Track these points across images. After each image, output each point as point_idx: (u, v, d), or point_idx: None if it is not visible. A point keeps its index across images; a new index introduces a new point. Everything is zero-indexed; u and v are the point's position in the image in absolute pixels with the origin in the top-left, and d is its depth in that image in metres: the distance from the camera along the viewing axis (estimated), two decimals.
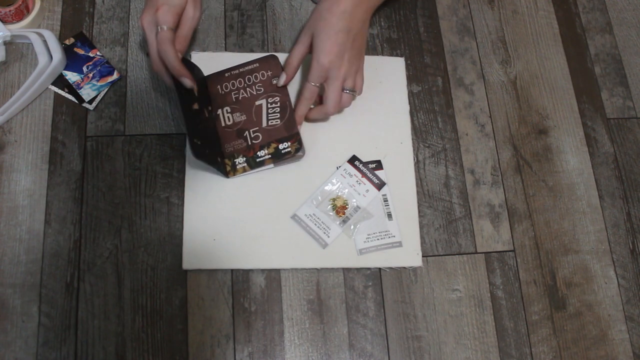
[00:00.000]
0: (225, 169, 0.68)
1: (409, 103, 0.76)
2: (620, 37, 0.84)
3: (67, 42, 0.74)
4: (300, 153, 0.68)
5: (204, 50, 0.75)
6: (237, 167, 0.68)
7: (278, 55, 0.74)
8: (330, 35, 0.61)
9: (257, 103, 0.69)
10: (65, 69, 0.72)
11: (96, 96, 0.72)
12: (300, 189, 0.69)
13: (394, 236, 0.68)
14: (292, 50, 0.65)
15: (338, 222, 0.68)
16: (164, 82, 0.64)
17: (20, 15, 0.72)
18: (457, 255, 0.71)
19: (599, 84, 0.81)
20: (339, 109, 0.68)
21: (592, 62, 0.82)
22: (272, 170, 0.69)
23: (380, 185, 0.70)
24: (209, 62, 0.73)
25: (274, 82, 0.69)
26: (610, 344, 0.70)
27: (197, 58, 0.74)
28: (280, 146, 0.68)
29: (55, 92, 0.72)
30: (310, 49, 0.64)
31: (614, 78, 0.82)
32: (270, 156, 0.68)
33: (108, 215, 0.68)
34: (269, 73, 0.70)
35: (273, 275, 0.67)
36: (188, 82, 0.62)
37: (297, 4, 0.80)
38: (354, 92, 0.67)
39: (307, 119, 0.70)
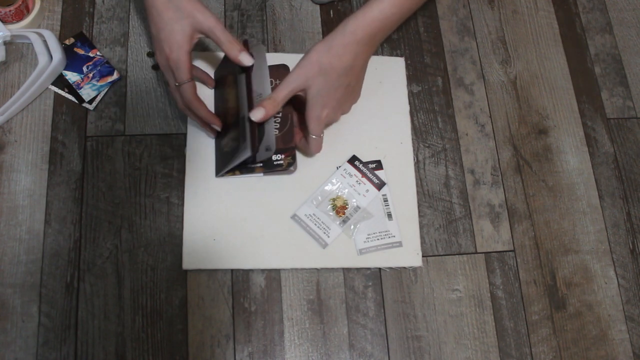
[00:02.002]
0: (215, 167, 0.68)
1: (409, 103, 0.76)
2: (620, 37, 0.84)
3: (67, 42, 0.74)
4: (292, 168, 0.67)
5: (204, 50, 0.75)
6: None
7: (278, 55, 0.75)
8: (330, 92, 0.59)
9: None
10: (65, 69, 0.72)
11: (96, 96, 0.72)
12: (300, 189, 0.69)
13: (394, 236, 0.68)
14: (279, 90, 0.59)
15: (338, 222, 0.68)
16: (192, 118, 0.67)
17: (20, 15, 0.72)
18: (457, 255, 0.71)
19: (599, 84, 0.81)
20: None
21: (592, 62, 0.82)
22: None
23: (380, 185, 0.70)
24: (209, 62, 0.74)
25: (248, 115, 0.62)
26: (610, 344, 0.70)
27: (197, 58, 0.74)
28: (274, 157, 0.66)
29: (55, 92, 0.72)
30: (299, 94, 0.61)
31: (614, 78, 0.82)
32: (261, 165, 0.67)
33: (108, 215, 0.68)
34: (277, 82, 0.67)
35: (273, 275, 0.67)
36: (217, 127, 0.65)
37: (297, 4, 0.80)
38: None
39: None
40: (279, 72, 0.68)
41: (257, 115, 0.59)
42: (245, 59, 0.59)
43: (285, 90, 0.59)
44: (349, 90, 0.62)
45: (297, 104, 0.64)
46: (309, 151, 0.66)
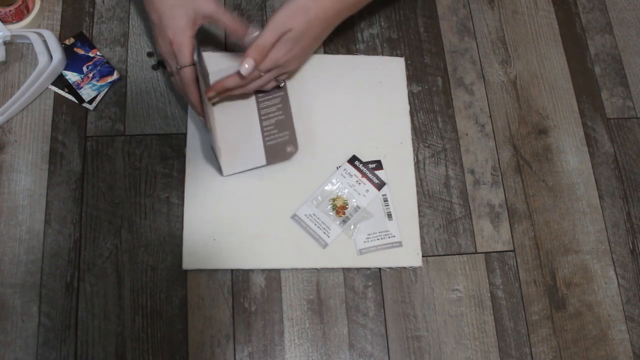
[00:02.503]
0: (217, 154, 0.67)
1: (409, 103, 0.76)
2: (620, 37, 0.84)
3: (67, 42, 0.74)
4: (290, 149, 0.67)
5: (204, 50, 0.75)
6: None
7: None
8: (303, 40, 0.59)
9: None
10: (65, 69, 0.72)
11: (96, 96, 0.72)
12: (300, 189, 0.69)
13: (394, 236, 0.68)
14: (265, 34, 0.58)
15: (338, 222, 0.68)
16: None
17: (20, 15, 0.72)
18: (457, 255, 0.71)
19: (599, 84, 0.81)
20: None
21: (592, 62, 0.82)
22: (272, 170, 0.69)
23: (380, 185, 0.70)
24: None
25: (241, 69, 0.60)
26: (610, 344, 0.70)
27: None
28: None
29: (55, 92, 0.72)
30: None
31: (614, 78, 0.82)
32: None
33: (108, 215, 0.68)
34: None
35: (273, 275, 0.67)
36: (200, 118, 0.64)
37: None
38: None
39: (223, 88, 0.64)
40: None
41: (247, 68, 0.58)
42: (249, 66, 0.59)
43: (271, 32, 0.58)
44: (311, 44, 0.62)
45: None
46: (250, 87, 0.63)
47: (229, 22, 0.59)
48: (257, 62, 0.59)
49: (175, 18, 0.58)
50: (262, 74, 0.62)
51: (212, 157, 0.69)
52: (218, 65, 0.72)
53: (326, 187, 0.69)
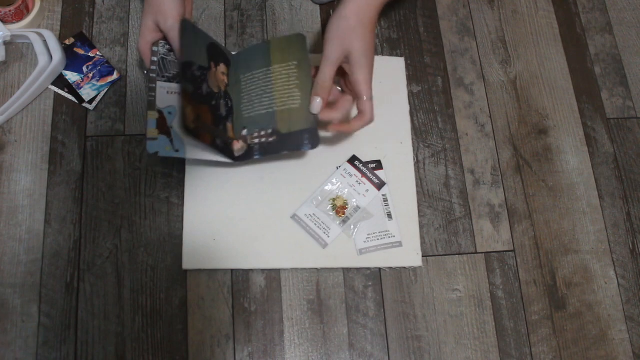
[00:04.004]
0: (227, 134, 0.64)
1: (409, 103, 0.76)
2: (620, 37, 0.84)
3: (67, 42, 0.74)
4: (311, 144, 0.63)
5: None
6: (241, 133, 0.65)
7: None
8: (369, 51, 0.59)
9: None
10: (65, 69, 0.72)
11: (96, 96, 0.72)
12: (300, 189, 0.69)
13: (394, 236, 0.68)
14: (323, 71, 0.59)
15: (338, 222, 0.68)
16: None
17: (20, 15, 0.72)
18: (457, 255, 0.71)
19: (599, 84, 0.81)
20: None
21: (592, 62, 0.82)
22: (272, 170, 0.69)
23: (380, 185, 0.70)
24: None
25: (310, 108, 0.62)
26: (610, 344, 0.70)
27: None
28: None
29: (55, 92, 0.72)
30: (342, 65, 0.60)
31: (614, 78, 0.82)
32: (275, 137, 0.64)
33: (108, 215, 0.68)
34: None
35: (273, 275, 0.67)
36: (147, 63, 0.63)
37: (297, 4, 0.80)
38: None
39: (350, 131, 0.63)
40: None
41: (316, 108, 0.61)
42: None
43: (329, 67, 0.59)
44: (374, 45, 0.61)
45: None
46: (367, 119, 0.61)
47: (175, 45, 0.61)
48: (324, 100, 0.61)
49: (141, 24, 0.61)
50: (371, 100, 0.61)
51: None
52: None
53: (326, 187, 0.69)
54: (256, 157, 0.63)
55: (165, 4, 0.59)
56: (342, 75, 0.62)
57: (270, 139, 0.64)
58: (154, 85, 0.62)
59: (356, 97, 0.60)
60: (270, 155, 0.63)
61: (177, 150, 0.61)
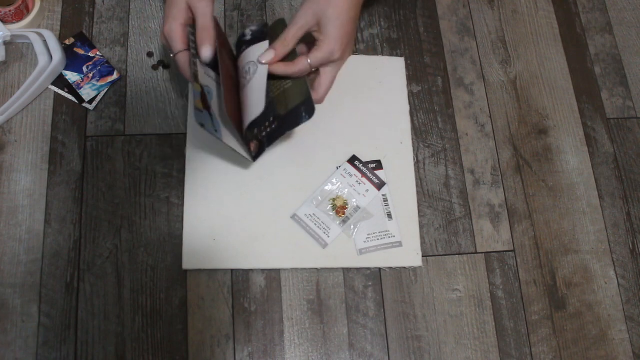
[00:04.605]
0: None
1: (409, 103, 0.76)
2: (620, 37, 0.84)
3: (67, 42, 0.74)
4: (307, 114, 0.61)
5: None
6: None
7: None
8: (343, 24, 0.58)
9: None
10: (65, 69, 0.72)
11: (96, 96, 0.72)
12: (300, 189, 0.69)
13: (394, 236, 0.68)
14: (288, 30, 0.59)
15: (338, 222, 0.68)
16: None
17: (20, 15, 0.72)
18: (457, 255, 0.71)
19: (599, 84, 0.81)
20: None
21: (592, 62, 0.82)
22: (272, 170, 0.69)
23: (380, 185, 0.70)
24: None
25: (258, 58, 0.60)
26: (610, 344, 0.70)
27: None
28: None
29: (55, 92, 0.72)
30: (310, 32, 0.60)
31: (614, 78, 0.82)
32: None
33: (108, 215, 0.68)
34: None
35: (273, 275, 0.67)
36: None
37: (297, 4, 0.80)
38: None
39: (278, 70, 0.61)
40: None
41: (266, 57, 0.59)
42: (205, 52, 0.59)
43: (294, 28, 0.58)
44: (355, 27, 0.61)
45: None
46: (293, 69, 0.60)
47: (200, 21, 0.58)
48: (277, 54, 0.59)
49: (171, 6, 0.59)
50: (312, 67, 0.60)
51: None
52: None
53: (326, 187, 0.69)
54: (266, 148, 0.63)
55: None
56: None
57: (274, 126, 0.63)
58: (195, 60, 0.60)
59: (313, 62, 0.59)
60: (276, 140, 0.62)
61: (216, 131, 0.60)
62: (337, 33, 0.58)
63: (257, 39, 0.64)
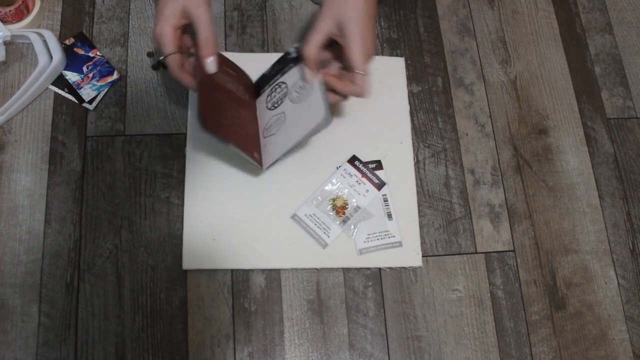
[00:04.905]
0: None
1: (409, 103, 0.76)
2: (620, 37, 0.84)
3: (67, 42, 0.74)
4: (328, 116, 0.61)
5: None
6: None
7: (278, 55, 0.75)
8: (367, 23, 0.57)
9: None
10: (65, 69, 0.72)
11: (96, 96, 0.72)
12: (300, 189, 0.69)
13: (394, 236, 0.68)
14: (310, 39, 0.58)
15: (338, 222, 0.68)
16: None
17: (20, 15, 0.72)
18: (457, 255, 0.71)
19: (599, 84, 0.81)
20: None
21: (592, 62, 0.82)
22: (272, 170, 0.69)
23: (380, 185, 0.70)
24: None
25: (301, 82, 0.63)
26: (610, 344, 0.70)
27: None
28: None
29: (55, 92, 0.72)
30: (332, 37, 0.60)
31: (614, 78, 0.82)
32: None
33: (108, 215, 0.68)
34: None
35: (273, 275, 0.67)
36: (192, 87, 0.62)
37: (297, 4, 0.80)
38: None
39: (337, 87, 0.61)
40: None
41: (305, 75, 0.61)
42: (210, 65, 0.59)
43: (317, 35, 0.58)
44: (374, 24, 0.60)
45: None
46: (359, 92, 0.60)
47: (203, 32, 0.58)
48: (312, 70, 0.61)
49: (164, 8, 0.58)
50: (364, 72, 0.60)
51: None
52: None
53: (326, 187, 0.69)
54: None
55: None
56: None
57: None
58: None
59: (349, 68, 0.59)
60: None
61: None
62: (360, 31, 0.57)
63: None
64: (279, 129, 0.65)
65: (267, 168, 0.66)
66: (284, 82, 0.66)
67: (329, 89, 0.61)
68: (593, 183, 0.76)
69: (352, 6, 0.56)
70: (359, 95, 0.60)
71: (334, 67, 0.64)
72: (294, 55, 0.65)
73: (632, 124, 0.80)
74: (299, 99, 0.63)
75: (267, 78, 0.69)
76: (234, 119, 0.64)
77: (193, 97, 0.72)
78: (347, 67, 0.59)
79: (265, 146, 0.65)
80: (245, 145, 0.63)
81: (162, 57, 0.60)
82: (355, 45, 0.57)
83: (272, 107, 0.67)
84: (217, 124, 0.61)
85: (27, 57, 0.73)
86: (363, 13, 0.57)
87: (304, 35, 0.63)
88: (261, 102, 0.69)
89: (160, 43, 0.59)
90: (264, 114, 0.67)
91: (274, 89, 0.67)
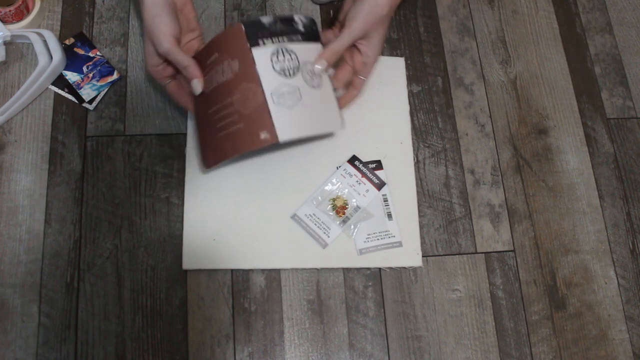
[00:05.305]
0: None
1: (409, 103, 0.76)
2: (620, 37, 0.84)
3: (67, 42, 0.74)
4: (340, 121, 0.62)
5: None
6: None
7: None
8: (382, 39, 0.63)
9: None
10: (65, 69, 0.72)
11: (96, 96, 0.72)
12: (300, 189, 0.69)
13: (394, 236, 0.68)
14: (340, 40, 0.61)
15: (338, 222, 0.68)
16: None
17: (20, 15, 0.72)
18: (457, 255, 0.71)
19: (599, 84, 0.81)
20: None
21: (592, 62, 0.82)
22: (272, 170, 0.69)
23: (380, 185, 0.70)
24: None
25: (312, 66, 0.61)
26: (610, 344, 0.70)
27: None
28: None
29: (55, 92, 0.72)
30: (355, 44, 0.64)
31: (614, 78, 0.82)
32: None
33: (108, 215, 0.68)
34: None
35: (273, 275, 0.67)
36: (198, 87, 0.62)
37: (297, 4, 0.80)
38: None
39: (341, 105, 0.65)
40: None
41: (319, 67, 0.61)
42: (195, 87, 0.60)
43: (348, 39, 0.62)
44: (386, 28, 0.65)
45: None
46: (356, 94, 0.67)
47: (182, 62, 0.59)
48: (329, 63, 0.62)
49: (145, 50, 0.61)
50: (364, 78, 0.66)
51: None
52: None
53: (326, 187, 0.69)
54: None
55: (156, 27, 0.56)
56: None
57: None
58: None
59: (356, 72, 0.65)
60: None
61: None
62: (380, 46, 0.63)
63: (308, 33, 0.62)
64: (296, 105, 0.59)
65: (284, 141, 0.58)
66: (293, 52, 0.61)
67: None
68: (593, 183, 0.76)
69: (383, 25, 0.62)
70: (356, 97, 0.67)
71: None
72: (300, 28, 0.62)
73: (632, 124, 0.80)
74: (312, 84, 0.61)
75: (267, 30, 0.61)
76: (228, 116, 0.59)
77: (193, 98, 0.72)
78: (354, 68, 0.65)
79: (278, 113, 0.57)
80: (246, 138, 0.58)
81: (188, 75, 0.60)
82: (373, 58, 0.63)
83: (282, 73, 0.59)
84: (214, 151, 0.60)
85: (27, 57, 0.73)
86: (385, 32, 0.63)
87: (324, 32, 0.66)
88: (262, 56, 0.59)
89: (154, 79, 0.63)
90: (270, 75, 0.59)
91: (281, 52, 0.60)
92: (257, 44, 0.59)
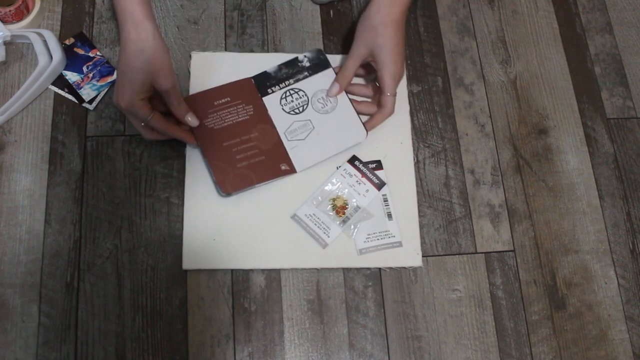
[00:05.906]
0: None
1: (409, 103, 0.76)
2: (620, 37, 0.84)
3: (67, 42, 0.74)
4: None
5: (203, 50, 0.75)
6: None
7: (278, 55, 0.75)
8: (394, 48, 0.64)
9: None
10: (65, 69, 0.72)
11: (96, 96, 0.72)
12: (300, 189, 0.69)
13: (394, 236, 0.68)
14: (346, 64, 0.68)
15: (338, 222, 0.68)
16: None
17: (20, 15, 0.72)
18: (457, 255, 0.71)
19: (599, 84, 0.81)
20: None
21: (592, 62, 0.82)
22: None
23: (380, 185, 0.70)
24: (209, 62, 0.73)
25: (323, 94, 0.71)
26: (610, 344, 0.70)
27: (197, 58, 0.74)
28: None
29: (55, 92, 0.72)
30: (365, 62, 0.68)
31: (614, 78, 0.82)
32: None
33: (108, 215, 0.68)
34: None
35: (273, 275, 0.67)
36: (192, 142, 0.67)
37: (297, 4, 0.80)
38: None
39: (373, 124, 0.70)
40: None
41: (333, 91, 0.70)
42: (192, 121, 0.65)
43: (351, 60, 0.67)
44: (404, 44, 0.67)
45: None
46: (387, 112, 0.68)
47: (176, 101, 0.62)
48: (341, 87, 0.70)
49: (133, 82, 0.58)
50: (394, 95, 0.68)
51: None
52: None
53: (326, 187, 0.69)
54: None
55: (167, 65, 0.58)
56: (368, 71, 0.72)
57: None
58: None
59: (380, 92, 0.67)
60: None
61: None
62: (391, 58, 0.64)
63: (316, 65, 0.72)
64: (308, 136, 0.69)
65: (302, 171, 0.69)
66: (301, 90, 0.71)
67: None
68: (593, 183, 0.76)
69: (383, 36, 0.64)
70: (389, 116, 0.69)
71: (357, 87, 0.72)
72: (306, 64, 0.72)
73: (632, 124, 0.80)
74: (325, 110, 0.70)
75: (274, 79, 0.72)
76: (249, 150, 0.68)
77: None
78: (379, 87, 0.67)
79: (293, 149, 0.69)
80: (269, 169, 0.67)
81: (143, 123, 0.61)
82: (387, 71, 0.65)
83: (293, 112, 0.70)
84: (236, 178, 0.66)
85: (27, 57, 0.73)
86: (394, 40, 0.64)
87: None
88: (272, 102, 0.71)
89: (134, 112, 0.60)
90: (282, 117, 0.70)
91: (288, 94, 0.71)
92: (267, 93, 0.71)
